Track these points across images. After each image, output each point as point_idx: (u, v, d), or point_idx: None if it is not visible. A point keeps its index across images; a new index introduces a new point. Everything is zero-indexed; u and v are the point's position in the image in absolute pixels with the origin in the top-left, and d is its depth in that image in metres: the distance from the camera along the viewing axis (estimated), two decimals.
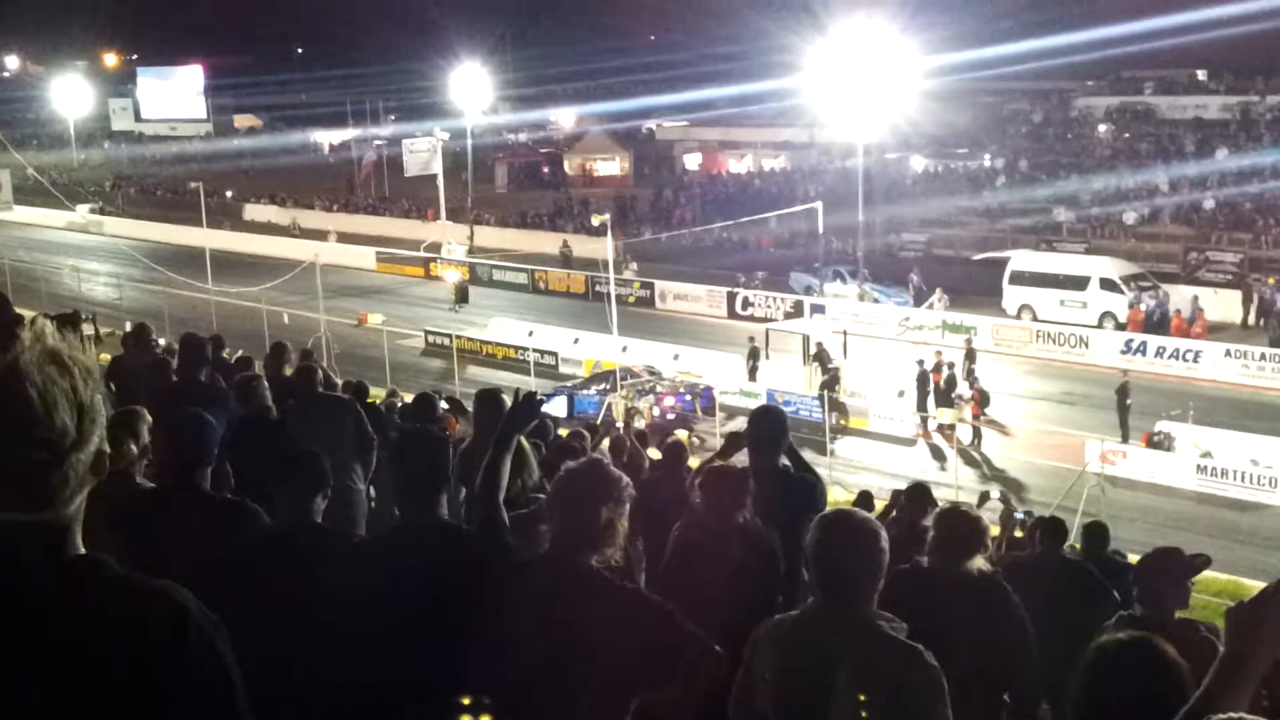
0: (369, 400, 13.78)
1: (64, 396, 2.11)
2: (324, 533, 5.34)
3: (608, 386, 32.03)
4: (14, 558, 2.15)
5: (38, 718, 2.05)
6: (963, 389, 31.07)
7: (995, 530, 12.50)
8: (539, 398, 4.97)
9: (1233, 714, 2.25)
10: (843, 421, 30.52)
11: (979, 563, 5.93)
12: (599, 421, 24.39)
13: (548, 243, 58.02)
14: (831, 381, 32.23)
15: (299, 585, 4.94)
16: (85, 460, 2.17)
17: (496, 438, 4.62)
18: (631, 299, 45.93)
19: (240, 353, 14.75)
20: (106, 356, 13.66)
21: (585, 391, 32.13)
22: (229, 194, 74.36)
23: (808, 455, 8.37)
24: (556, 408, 26.49)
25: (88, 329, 14.12)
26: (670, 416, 30.33)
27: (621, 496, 3.99)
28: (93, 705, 2.07)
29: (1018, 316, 40.99)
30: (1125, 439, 28.09)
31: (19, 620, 2.10)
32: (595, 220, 45.23)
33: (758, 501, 6.13)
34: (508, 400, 5.15)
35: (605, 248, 39.48)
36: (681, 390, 32.24)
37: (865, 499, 13.48)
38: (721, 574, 5.46)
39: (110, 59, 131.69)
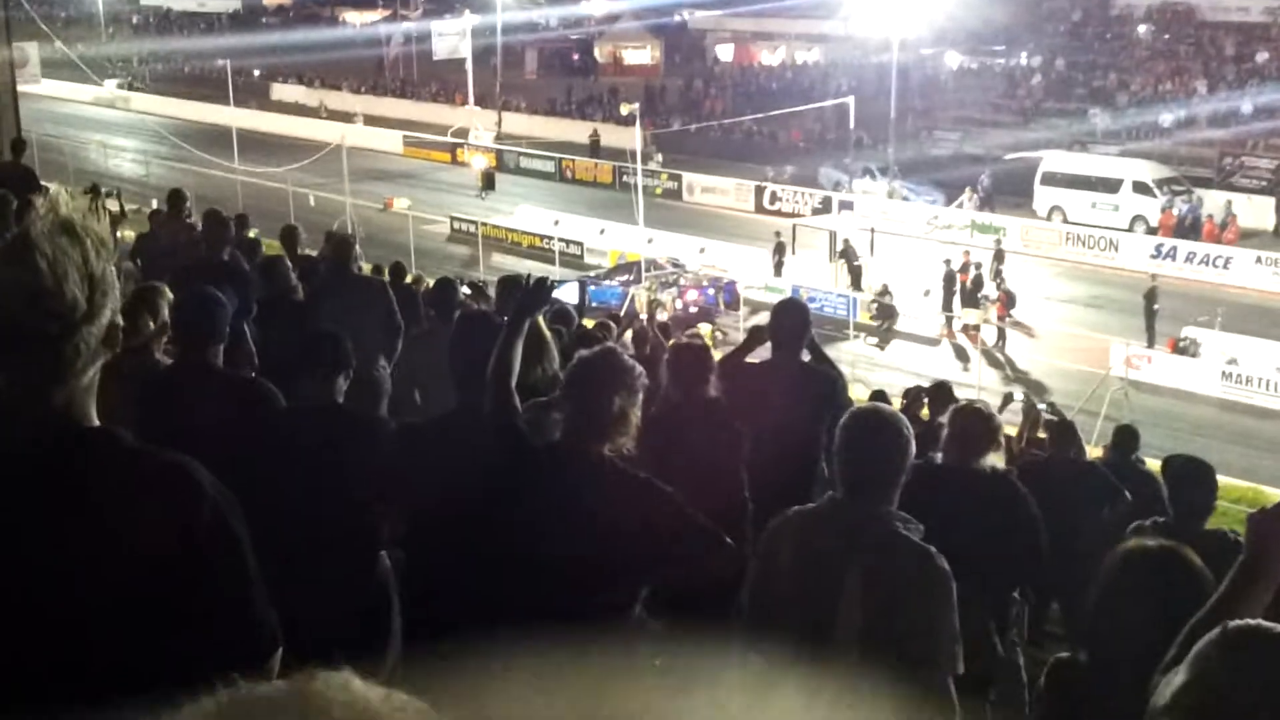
0: (406, 281, 13.79)
1: (75, 267, 2.10)
2: (345, 412, 5.37)
3: (631, 278, 31.96)
4: (27, 428, 2.15)
5: (52, 587, 2.06)
6: (989, 290, 30.90)
7: (1015, 429, 12.50)
8: (550, 282, 4.95)
9: (1249, 619, 2.22)
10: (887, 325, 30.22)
11: (992, 460, 5.95)
12: (622, 313, 24.36)
13: (576, 131, 57.51)
14: (856, 279, 32.12)
15: (318, 461, 4.98)
16: (96, 332, 2.16)
17: (508, 322, 4.61)
18: (658, 191, 45.61)
19: (253, 233, 14.70)
20: (131, 233, 13.67)
21: (608, 282, 32.07)
22: (256, 73, 73.83)
23: (830, 352, 8.33)
24: (567, 294, 26.45)
25: (112, 204, 14.09)
26: (693, 309, 30.27)
27: (635, 386, 4.00)
28: (105, 575, 2.07)
29: (1048, 218, 40.59)
30: (1151, 344, 27.95)
31: (32, 490, 2.10)
32: (624, 109, 44.76)
33: (779, 394, 6.11)
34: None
35: (634, 138, 39.10)
36: (705, 284, 32.15)
37: (879, 398, 13.46)
38: (687, 448, 5.46)
39: None
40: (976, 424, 5.95)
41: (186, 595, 2.13)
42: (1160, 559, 3.49)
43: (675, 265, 33.36)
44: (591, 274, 33.28)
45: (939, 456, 6.06)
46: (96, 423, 2.22)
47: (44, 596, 2.06)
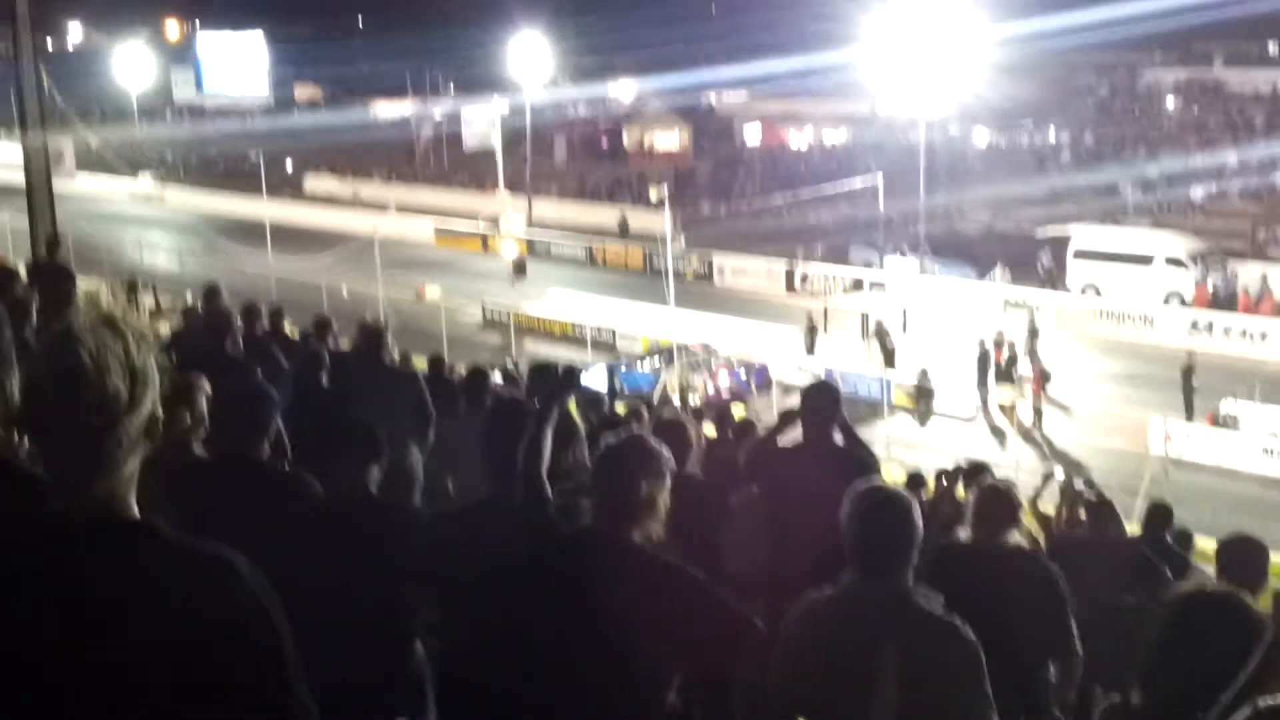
0: (441, 373, 13.81)
1: (116, 360, 2.15)
2: (379, 502, 5.41)
3: (662, 362, 32.01)
4: (69, 520, 2.18)
5: (95, 680, 2.07)
6: (1024, 367, 30.77)
7: (1054, 508, 12.38)
8: (577, 369, 5.00)
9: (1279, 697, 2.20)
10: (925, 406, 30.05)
11: (1016, 537, 5.97)
12: (655, 398, 24.35)
13: (606, 216, 57.95)
14: (889, 358, 32.08)
15: (351, 552, 4.98)
16: (138, 424, 2.20)
17: (538, 410, 4.63)
18: (690, 274, 45.77)
19: (289, 326, 14.81)
20: (166, 327, 13.80)
21: (639, 367, 32.12)
22: (289, 165, 74.85)
23: (865, 433, 8.30)
24: (595, 379, 26.47)
25: (148, 299, 14.29)
26: (725, 394, 30.26)
27: (661, 470, 3.99)
28: (149, 668, 2.09)
29: (1082, 294, 40.48)
30: (1190, 418, 27.72)
31: (75, 583, 2.12)
32: (653, 194, 45.08)
33: (811, 477, 6.10)
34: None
35: (664, 221, 39.34)
36: (736, 367, 32.16)
37: (915, 481, 13.40)
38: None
39: (172, 28, 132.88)
40: (997, 501, 6.05)
41: (229, 687, 2.15)
42: (1220, 602, 3.46)
43: (706, 349, 33.43)
44: (623, 360, 33.36)
45: (963, 534, 6.08)
46: (137, 514, 2.25)
47: (88, 690, 2.07)
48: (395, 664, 5.06)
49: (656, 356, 32.74)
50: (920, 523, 4.09)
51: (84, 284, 11.60)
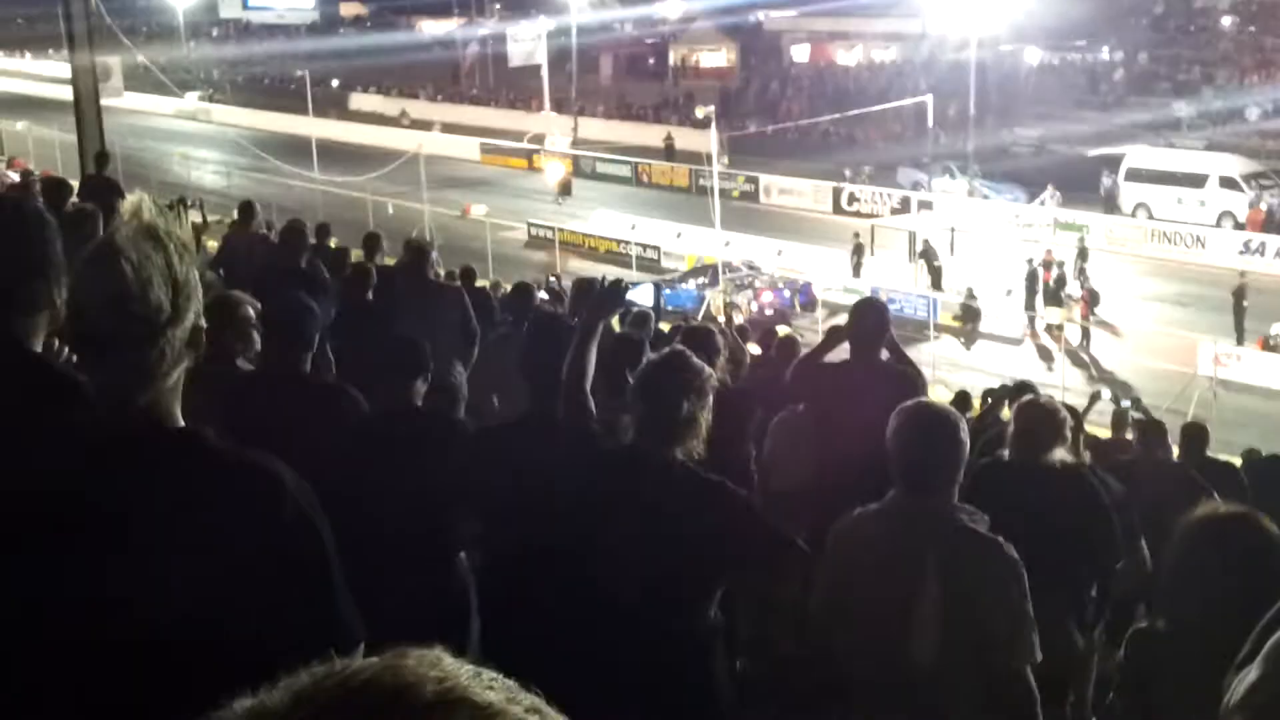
0: (478, 284, 13.88)
1: (158, 272, 2.14)
2: (424, 416, 5.43)
3: (706, 281, 31.93)
4: (114, 427, 2.20)
5: (138, 583, 2.08)
6: (1073, 288, 30.49)
7: (1107, 432, 12.31)
8: (624, 285, 4.95)
9: None
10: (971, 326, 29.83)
11: (1060, 454, 5.88)
12: (699, 316, 24.30)
13: (652, 135, 57.61)
14: (936, 279, 31.88)
15: (397, 464, 5.02)
16: (181, 336, 2.20)
17: (581, 325, 4.61)
18: (735, 194, 45.53)
19: (334, 242, 14.86)
20: (214, 243, 13.86)
21: (683, 285, 32.05)
22: (335, 83, 74.76)
23: (911, 353, 8.25)
24: (642, 296, 26.36)
25: (195, 215, 14.35)
26: (769, 312, 30.16)
27: (704, 389, 3.97)
28: (190, 572, 2.10)
29: (1133, 215, 39.99)
30: (1240, 341, 27.45)
31: (119, 488, 2.14)
32: (699, 113, 44.77)
33: (858, 394, 6.07)
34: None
35: (709, 141, 39.05)
36: (780, 286, 32.04)
37: (962, 399, 13.35)
38: None
39: None
40: (1040, 418, 5.87)
41: (270, 591, 2.16)
42: (1234, 523, 3.43)
43: (750, 268, 33.28)
44: (666, 277, 33.29)
45: (1006, 453, 6.00)
46: (181, 423, 2.26)
47: (130, 592, 2.08)
48: (439, 577, 5.10)
49: (701, 275, 32.65)
50: (966, 441, 4.08)
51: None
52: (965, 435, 4.07)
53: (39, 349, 2.82)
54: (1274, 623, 2.50)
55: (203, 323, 2.26)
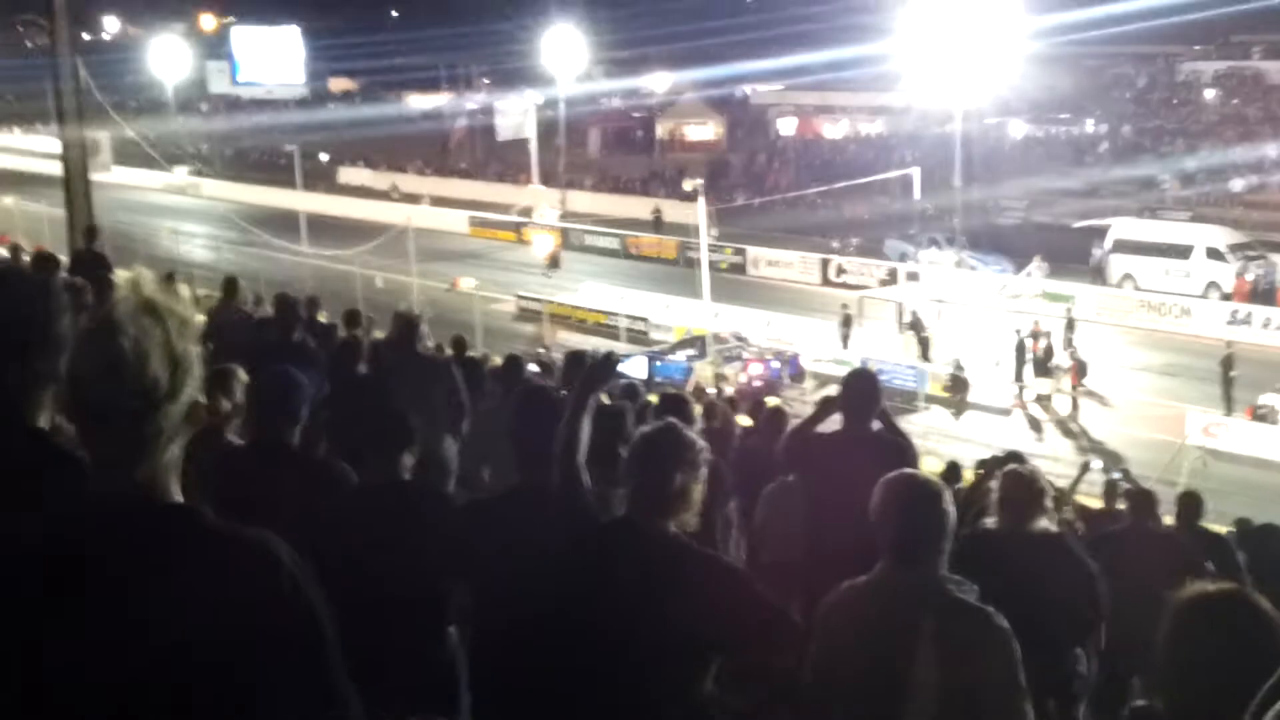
0: (468, 355, 13.86)
1: (157, 346, 2.15)
2: (410, 488, 5.42)
3: (695, 352, 31.98)
4: (111, 504, 2.19)
5: (136, 664, 2.07)
6: (1061, 359, 30.58)
7: (1099, 503, 12.28)
8: (615, 358, 4.94)
9: None
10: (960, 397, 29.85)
11: (1043, 523, 5.96)
12: (689, 388, 24.29)
13: (640, 208, 57.97)
14: (924, 350, 31.95)
15: (385, 537, 4.99)
16: (179, 411, 2.20)
17: (574, 396, 4.59)
18: (724, 265, 45.72)
19: (324, 316, 14.89)
20: (203, 317, 13.86)
21: (673, 357, 32.10)
22: (324, 157, 75.20)
23: (902, 424, 8.24)
24: (635, 369, 26.42)
25: (185, 290, 14.37)
26: (757, 384, 30.19)
27: (696, 461, 3.96)
28: (189, 651, 2.09)
29: (1119, 285, 40.22)
30: (1229, 411, 27.50)
31: (117, 566, 2.13)
32: (687, 185, 45.04)
33: (850, 464, 6.05)
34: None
35: (697, 213, 39.26)
36: (768, 357, 32.11)
37: (953, 470, 13.33)
38: None
39: (208, 20, 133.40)
40: (1022, 488, 6.05)
41: (267, 667, 2.15)
42: (1225, 602, 3.41)
43: (738, 339, 33.35)
44: (656, 349, 33.32)
45: (989, 522, 6.09)
46: (179, 498, 2.25)
47: (127, 674, 2.07)
48: (429, 649, 5.07)
49: (689, 347, 32.71)
50: (952, 511, 4.08)
51: (121, 273, 11.65)
52: (951, 505, 4.08)
53: (44, 423, 2.80)
54: (1271, 695, 2.47)
55: (202, 399, 2.26)
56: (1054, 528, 6.24)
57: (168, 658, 2.07)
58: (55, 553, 2.15)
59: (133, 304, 2.16)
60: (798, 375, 31.42)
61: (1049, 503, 6.18)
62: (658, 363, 31.14)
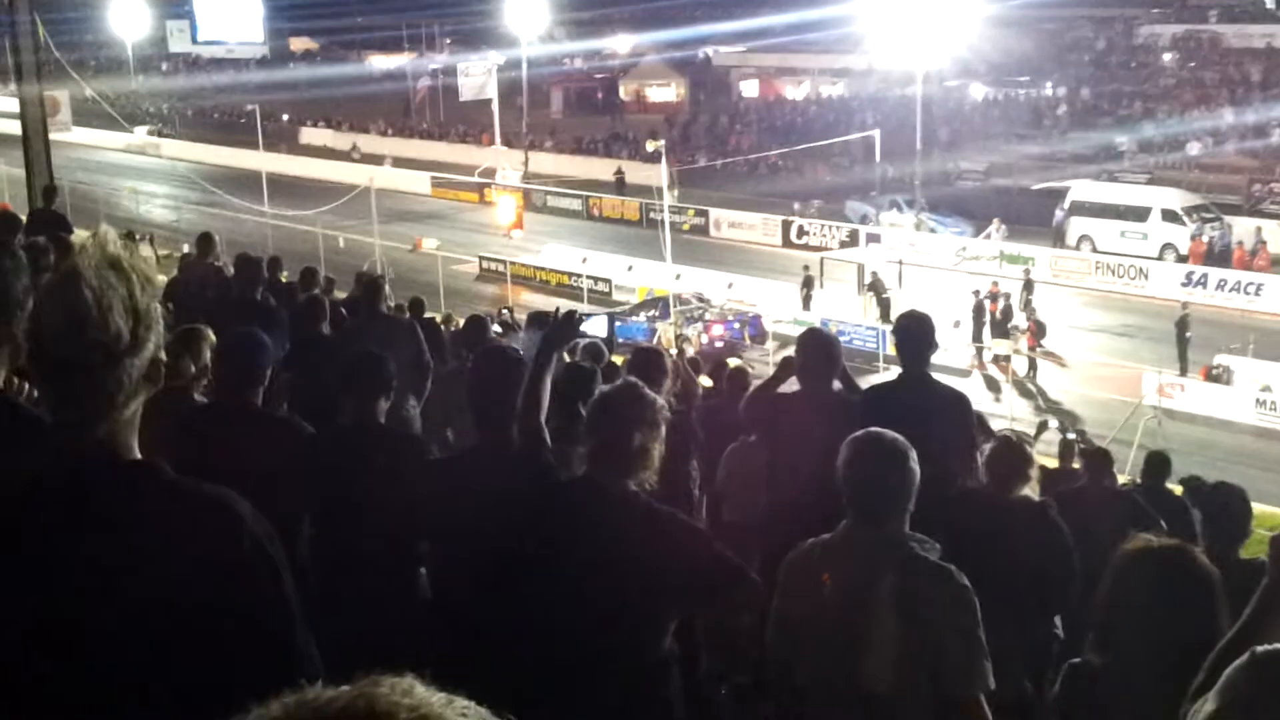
0: (426, 316, 13.84)
1: (120, 300, 2.14)
2: (389, 432, 5.45)
3: (657, 313, 32.03)
4: (69, 458, 2.19)
5: (93, 619, 2.08)
6: (1019, 320, 30.79)
7: (1055, 462, 12.42)
8: (578, 316, 4.96)
9: (1277, 644, 2.21)
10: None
11: (1028, 490, 6.01)
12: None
13: (602, 169, 57.80)
14: (885, 311, 32.09)
15: (360, 478, 5.02)
16: (140, 366, 2.19)
17: (536, 355, 4.62)
18: (686, 227, 45.71)
19: (285, 276, 14.82)
20: (163, 278, 13.79)
21: (634, 318, 32.14)
22: (285, 117, 74.50)
23: (861, 385, 8.31)
24: (595, 327, 26.43)
25: (145, 250, 14.28)
26: (719, 344, 30.26)
27: (656, 420, 3.98)
28: (147, 606, 2.10)
29: (1077, 247, 40.47)
30: (1184, 372, 27.79)
31: (74, 521, 2.13)
32: (649, 147, 44.89)
33: (810, 424, 6.12)
34: None
35: (659, 174, 39.23)
36: (730, 318, 32.18)
37: None
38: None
39: None
40: (1011, 455, 6.10)
41: (227, 626, 2.16)
42: (1166, 557, 3.49)
43: (700, 300, 33.41)
44: (618, 309, 33.34)
45: (974, 484, 6.12)
46: (138, 455, 2.25)
47: (85, 628, 2.08)
48: (404, 590, 5.07)
49: (651, 308, 32.75)
50: (916, 470, 4.08)
51: (81, 231, 11.58)
52: (915, 464, 4.07)
53: None
54: (1228, 650, 2.54)
55: (162, 355, 2.25)
56: (1035, 496, 6.29)
57: (128, 614, 2.08)
58: (17, 510, 2.16)
59: (96, 258, 2.15)
60: (759, 336, 31.51)
61: (1033, 472, 6.25)
62: (619, 323, 31.15)
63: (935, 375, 6.77)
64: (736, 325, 31.97)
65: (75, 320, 2.12)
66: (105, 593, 2.09)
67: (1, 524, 2.14)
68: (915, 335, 6.68)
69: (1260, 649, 2.17)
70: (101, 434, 2.19)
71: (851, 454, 4.10)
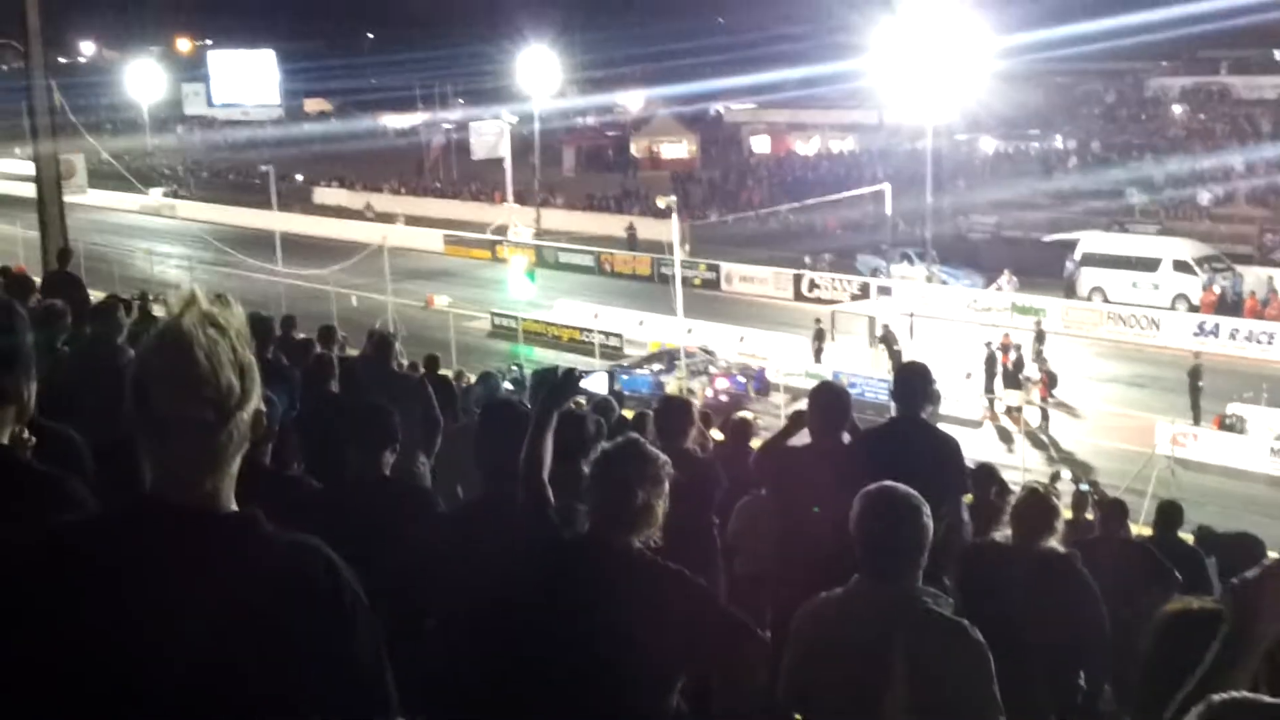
0: (440, 373, 13.89)
1: (227, 356, 2.15)
2: (395, 484, 5.42)
3: (663, 367, 32.09)
4: (177, 515, 2.17)
5: (202, 671, 2.08)
6: (1031, 371, 30.76)
7: (1069, 513, 12.39)
8: (576, 373, 4.96)
9: (1234, 693, 2.21)
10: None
11: (1054, 543, 5.98)
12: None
13: (614, 225, 58.05)
14: (896, 364, 32.08)
15: (367, 532, 5.01)
16: (247, 419, 2.21)
17: (536, 413, 4.61)
18: (697, 281, 45.83)
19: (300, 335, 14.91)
20: None
21: (639, 371, 32.20)
22: (299, 177, 75.04)
23: None
24: (596, 384, 26.43)
25: (159, 310, 14.34)
26: (724, 398, 30.27)
27: (659, 476, 3.93)
28: (258, 657, 2.11)
29: (1088, 298, 40.49)
30: (1197, 421, 27.71)
31: (185, 577, 2.12)
32: (661, 203, 45.11)
33: (821, 477, 6.11)
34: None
35: (671, 230, 39.41)
36: (734, 372, 32.23)
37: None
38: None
39: (183, 44, 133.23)
40: (1038, 505, 6.07)
41: (323, 671, 2.17)
42: (1205, 619, 3.48)
43: (706, 353, 33.48)
44: (622, 364, 33.40)
45: (999, 536, 6.10)
46: (235, 507, 2.25)
47: (194, 680, 2.08)
48: (412, 646, 5.05)
49: (656, 362, 32.82)
50: (930, 525, 4.06)
51: (97, 293, 11.72)
52: (929, 519, 4.05)
53: (5, 439, 2.81)
54: (1188, 700, 2.53)
55: (263, 407, 2.26)
56: (1061, 548, 6.25)
57: (236, 665, 2.09)
58: (127, 558, 2.14)
59: (195, 316, 2.15)
60: (763, 389, 31.54)
61: (1059, 523, 6.22)
62: (624, 376, 31.21)
63: (943, 425, 6.80)
64: (741, 379, 32.01)
65: (189, 379, 2.12)
66: (213, 643, 2.09)
67: (93, 572, 2.12)
68: (910, 382, 6.78)
69: (1216, 697, 2.18)
70: (208, 489, 2.18)
71: (864, 508, 4.07)
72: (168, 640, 2.08)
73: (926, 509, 4.06)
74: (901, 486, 4.12)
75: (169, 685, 2.07)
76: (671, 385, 30.05)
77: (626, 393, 28.78)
